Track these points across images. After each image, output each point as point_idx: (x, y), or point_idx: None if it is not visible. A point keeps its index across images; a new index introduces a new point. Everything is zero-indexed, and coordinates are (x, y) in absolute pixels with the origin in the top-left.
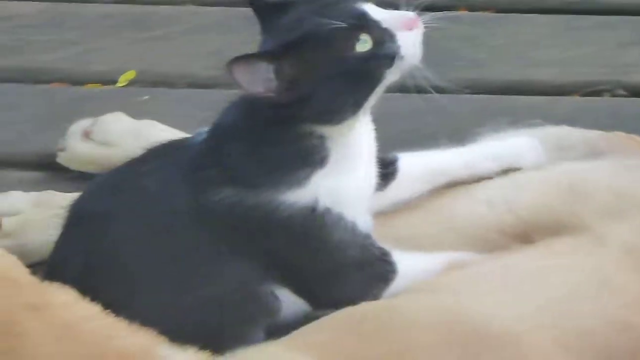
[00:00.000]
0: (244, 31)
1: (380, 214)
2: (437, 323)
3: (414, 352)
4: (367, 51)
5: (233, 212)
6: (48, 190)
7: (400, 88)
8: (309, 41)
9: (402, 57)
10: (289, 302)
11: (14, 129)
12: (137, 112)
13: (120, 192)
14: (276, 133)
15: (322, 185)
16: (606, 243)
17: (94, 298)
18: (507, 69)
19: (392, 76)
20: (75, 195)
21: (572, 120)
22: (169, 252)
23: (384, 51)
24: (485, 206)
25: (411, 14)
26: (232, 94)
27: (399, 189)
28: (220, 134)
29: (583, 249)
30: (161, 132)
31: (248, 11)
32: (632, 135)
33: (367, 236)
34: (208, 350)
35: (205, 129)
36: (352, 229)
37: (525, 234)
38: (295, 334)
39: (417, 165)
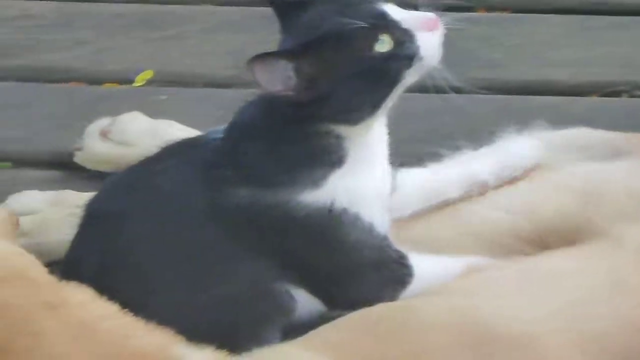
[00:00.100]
0: (261, 30)
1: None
2: (454, 325)
3: (430, 354)
4: (387, 51)
5: (249, 211)
6: (65, 190)
7: (418, 88)
8: (329, 40)
9: (421, 58)
10: (304, 301)
11: (31, 128)
12: (154, 112)
13: (135, 191)
14: (294, 132)
15: (339, 185)
16: (621, 245)
17: (110, 297)
18: (524, 69)
19: (411, 77)
20: (91, 194)
21: (589, 120)
22: (185, 251)
23: (404, 52)
24: (503, 211)
25: (432, 15)
26: (249, 93)
27: (395, 205)
28: (237, 133)
29: (598, 251)
30: (179, 132)
31: (264, 10)
32: None
33: (384, 238)
34: (224, 350)
35: (219, 127)
36: (369, 230)
37: (541, 239)
38: (311, 334)
39: (414, 184)
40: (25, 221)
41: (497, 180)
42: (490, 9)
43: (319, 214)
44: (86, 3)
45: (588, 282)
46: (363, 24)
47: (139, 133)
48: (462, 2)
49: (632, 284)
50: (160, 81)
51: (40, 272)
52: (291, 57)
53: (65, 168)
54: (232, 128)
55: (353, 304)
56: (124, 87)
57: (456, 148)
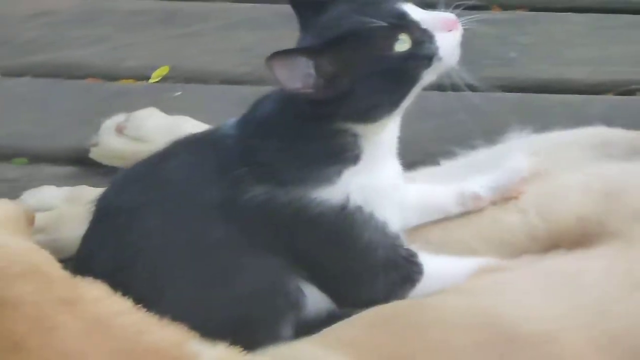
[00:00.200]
0: (277, 28)
1: None
2: (472, 323)
3: (447, 351)
4: (406, 51)
5: (264, 207)
6: (81, 186)
7: (434, 86)
8: (349, 39)
9: (440, 59)
10: (314, 298)
11: (48, 124)
12: (170, 108)
13: (147, 186)
14: (311, 130)
15: (354, 183)
16: (637, 245)
17: (124, 293)
18: (540, 68)
19: (429, 76)
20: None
21: (606, 119)
22: (198, 246)
23: (423, 52)
24: (516, 211)
25: (451, 15)
26: (264, 90)
27: None
28: (253, 129)
29: (616, 252)
30: (194, 128)
31: (281, 7)
32: None
33: (397, 236)
34: (238, 346)
35: (230, 120)
36: (383, 229)
37: (556, 239)
38: (325, 331)
39: (414, 198)
40: (41, 217)
41: (493, 196)
42: (506, 7)
43: (333, 212)
44: (105, 0)
45: (606, 282)
46: (383, 24)
47: (155, 129)
48: (477, 1)
49: None
50: (176, 77)
51: (55, 267)
52: (311, 55)
53: (81, 164)
54: (247, 124)
55: (362, 302)
56: (140, 83)
57: (472, 147)
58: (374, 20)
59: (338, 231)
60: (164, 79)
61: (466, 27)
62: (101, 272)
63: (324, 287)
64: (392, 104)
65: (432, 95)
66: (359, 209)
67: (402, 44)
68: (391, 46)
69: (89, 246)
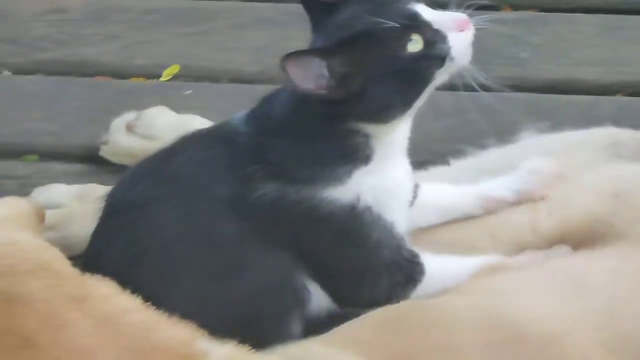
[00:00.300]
0: (288, 27)
1: None
2: (481, 323)
3: (457, 351)
4: (418, 52)
5: (274, 205)
6: (90, 183)
7: (446, 86)
8: (361, 40)
9: (452, 59)
10: (318, 296)
11: (58, 122)
12: (180, 107)
13: (157, 181)
14: (323, 129)
15: (365, 183)
16: None
17: (133, 290)
18: (550, 68)
19: (441, 77)
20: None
21: (615, 119)
22: (207, 242)
23: (435, 52)
24: (529, 213)
25: (463, 16)
26: (274, 89)
27: (412, 216)
28: (265, 127)
29: (622, 253)
30: (203, 126)
31: (291, 7)
32: None
33: (402, 237)
34: (247, 344)
35: (239, 115)
36: (390, 230)
37: (564, 239)
38: (334, 330)
39: (434, 198)
40: (51, 215)
41: (515, 199)
42: (517, 7)
43: (343, 211)
44: None
45: (614, 283)
46: (395, 24)
47: (165, 127)
48: (488, 1)
49: None
50: (187, 76)
51: (64, 265)
52: (324, 55)
53: (91, 162)
54: (259, 120)
55: (364, 301)
56: (150, 81)
57: (484, 146)
58: (386, 20)
59: (347, 230)
60: (175, 77)
61: (478, 27)
62: (111, 268)
63: (326, 286)
64: (404, 105)
65: (442, 95)
66: (369, 209)
67: (415, 44)
68: (403, 47)
69: (98, 242)
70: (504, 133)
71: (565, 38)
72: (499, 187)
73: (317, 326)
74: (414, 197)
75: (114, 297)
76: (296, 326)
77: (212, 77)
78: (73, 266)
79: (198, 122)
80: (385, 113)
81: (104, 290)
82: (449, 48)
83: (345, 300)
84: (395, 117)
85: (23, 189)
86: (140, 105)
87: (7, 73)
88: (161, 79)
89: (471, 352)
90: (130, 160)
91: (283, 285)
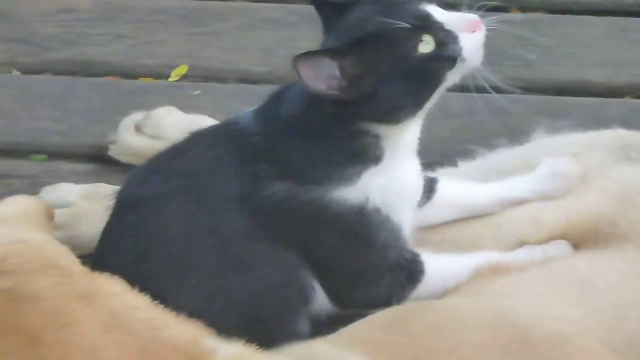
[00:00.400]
0: (296, 28)
1: None
2: (488, 323)
3: (464, 351)
4: (430, 52)
5: (284, 204)
6: (99, 183)
7: (458, 87)
8: (373, 40)
9: (464, 59)
10: (322, 295)
11: (67, 121)
12: (188, 107)
13: (166, 178)
14: (334, 130)
15: (374, 184)
16: None
17: (141, 285)
18: (559, 70)
19: (453, 77)
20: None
21: (624, 121)
22: (216, 239)
23: (446, 53)
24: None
25: (474, 17)
26: (282, 86)
27: (430, 212)
28: (274, 125)
29: (628, 255)
30: None
31: (299, 8)
32: None
33: (406, 239)
34: (254, 343)
35: (245, 112)
36: (397, 232)
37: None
38: (340, 331)
39: (453, 194)
40: (59, 214)
41: (536, 199)
42: (525, 9)
43: (352, 212)
44: None
45: (621, 285)
46: (406, 25)
47: (173, 127)
48: (497, 2)
49: None
50: (195, 76)
51: (73, 263)
52: (336, 56)
53: (99, 161)
54: (268, 119)
55: (365, 301)
56: (159, 81)
57: (494, 147)
58: (398, 21)
59: (355, 231)
60: (183, 77)
61: (489, 28)
62: (120, 265)
63: (326, 285)
64: (415, 106)
65: (453, 95)
66: (377, 210)
67: (426, 45)
68: (415, 47)
69: (109, 238)
70: (514, 134)
71: (574, 40)
72: (521, 187)
73: (323, 326)
74: (432, 192)
75: (121, 295)
76: (303, 325)
77: (221, 77)
78: (81, 264)
79: (206, 122)
80: (396, 114)
81: (112, 288)
82: (461, 49)
83: (345, 300)
84: (406, 117)
85: (31, 188)
86: (149, 105)
87: (16, 73)
88: (169, 79)
89: (479, 353)
90: (139, 159)
91: (290, 284)
